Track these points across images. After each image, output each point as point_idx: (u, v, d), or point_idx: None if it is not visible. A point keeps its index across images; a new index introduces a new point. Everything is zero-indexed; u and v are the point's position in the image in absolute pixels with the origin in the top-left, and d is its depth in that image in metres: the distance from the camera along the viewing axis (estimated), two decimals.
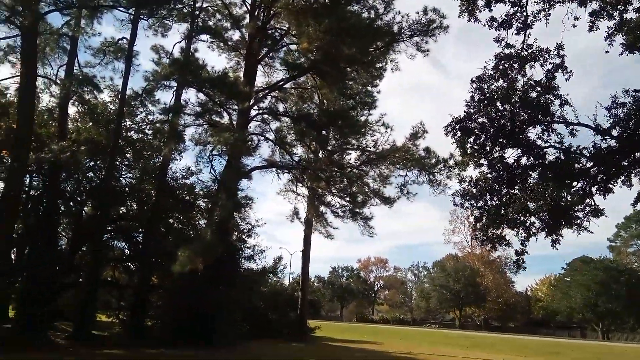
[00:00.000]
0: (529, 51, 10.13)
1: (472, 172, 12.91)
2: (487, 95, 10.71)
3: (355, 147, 20.22)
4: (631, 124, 10.83)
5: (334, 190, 19.49)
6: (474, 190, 12.81)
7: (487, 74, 10.66)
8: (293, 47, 22.93)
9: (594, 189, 12.94)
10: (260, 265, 23.26)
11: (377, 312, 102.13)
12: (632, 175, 11.63)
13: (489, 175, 12.52)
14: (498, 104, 11.64)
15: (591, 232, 13.74)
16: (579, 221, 13.46)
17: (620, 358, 24.30)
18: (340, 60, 15.93)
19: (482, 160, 12.55)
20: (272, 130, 21.49)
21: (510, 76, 10.34)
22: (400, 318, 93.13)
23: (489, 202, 12.77)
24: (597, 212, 13.06)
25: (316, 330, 30.99)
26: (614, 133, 11.08)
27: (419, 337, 35.30)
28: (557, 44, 9.93)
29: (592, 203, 12.60)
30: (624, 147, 11.09)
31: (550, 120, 10.78)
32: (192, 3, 24.81)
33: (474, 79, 10.57)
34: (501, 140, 12.11)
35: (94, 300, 21.49)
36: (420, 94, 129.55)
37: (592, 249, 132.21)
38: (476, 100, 10.81)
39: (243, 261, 22.04)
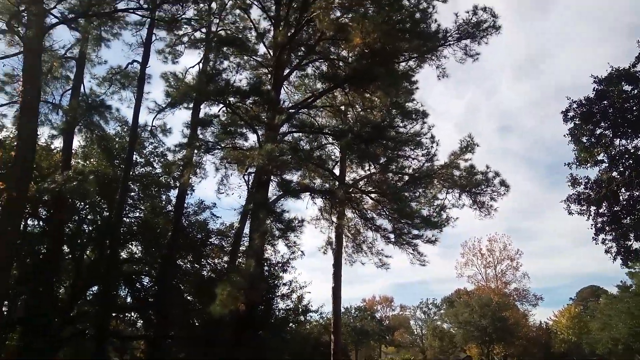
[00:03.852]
0: None
1: (589, 171, 10.52)
2: None
3: (403, 164, 17.90)
4: None
5: (384, 212, 17.03)
6: (592, 194, 10.37)
7: None
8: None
9: None
10: (298, 305, 20.36)
11: (385, 355, 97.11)
12: None
13: (612, 173, 10.11)
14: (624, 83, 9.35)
15: None
16: None
17: None
18: (397, 59, 13.90)
19: (602, 156, 10.20)
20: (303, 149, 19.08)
21: None
22: None
23: (613, 208, 10.32)
24: None
25: None
26: None
27: None
28: None
29: None
30: None
31: None
32: (205, 27, 23.19)
33: None
34: (624, 127, 9.81)
35: (103, 356, 18.51)
36: None
37: (581, 277, 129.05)
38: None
39: (278, 300, 19.21)
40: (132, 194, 25.46)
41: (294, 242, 14.20)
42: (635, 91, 9.52)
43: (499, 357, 72.55)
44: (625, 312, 41.65)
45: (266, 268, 19.35)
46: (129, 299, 26.15)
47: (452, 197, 20.91)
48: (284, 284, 19.75)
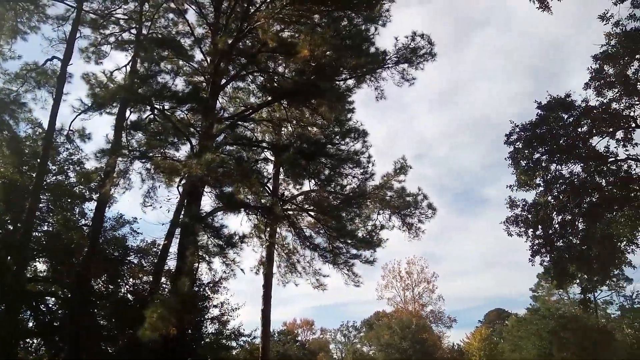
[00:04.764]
0: None
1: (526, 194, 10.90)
2: (611, 79, 8.90)
3: (342, 182, 17.71)
4: None
5: (322, 231, 16.63)
6: (530, 217, 10.74)
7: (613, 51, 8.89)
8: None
9: None
10: (223, 329, 19.06)
11: None
12: None
13: (548, 198, 10.54)
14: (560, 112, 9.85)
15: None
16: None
17: None
18: (338, 76, 13.78)
19: (538, 180, 10.62)
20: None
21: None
22: None
23: (548, 231, 10.73)
24: None
25: None
26: None
27: None
28: None
29: None
30: None
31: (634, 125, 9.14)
32: (135, 29, 21.90)
33: (598, 55, 8.77)
34: (560, 153, 10.32)
35: None
36: None
37: (487, 300, 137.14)
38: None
39: (207, 323, 17.89)
40: (41, 205, 23.04)
41: (233, 260, 13.21)
42: (571, 119, 10.12)
43: None
44: (534, 333, 44.05)
45: (196, 288, 18.03)
46: (30, 324, 23.38)
47: (383, 218, 21.18)
48: (215, 306, 18.51)
